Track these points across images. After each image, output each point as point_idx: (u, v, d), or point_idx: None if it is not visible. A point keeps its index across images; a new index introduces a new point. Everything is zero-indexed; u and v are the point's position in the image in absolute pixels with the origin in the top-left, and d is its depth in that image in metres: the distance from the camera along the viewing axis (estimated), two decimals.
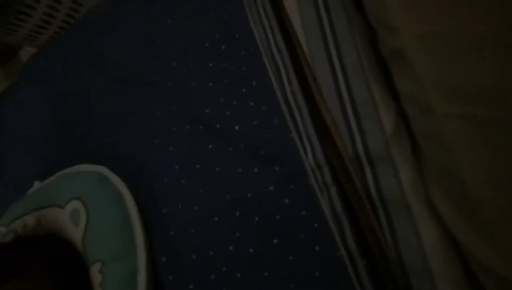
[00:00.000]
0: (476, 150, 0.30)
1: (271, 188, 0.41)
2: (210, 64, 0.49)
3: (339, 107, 0.39)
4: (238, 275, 0.42)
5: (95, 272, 0.46)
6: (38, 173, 0.64)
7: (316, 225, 0.38)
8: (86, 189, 0.50)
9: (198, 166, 0.48)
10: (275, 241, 0.40)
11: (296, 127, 0.40)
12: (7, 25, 0.93)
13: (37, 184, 0.60)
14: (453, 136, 0.31)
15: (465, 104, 0.30)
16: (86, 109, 0.61)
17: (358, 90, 0.38)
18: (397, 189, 0.35)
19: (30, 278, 0.43)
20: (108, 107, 0.59)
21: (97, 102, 0.60)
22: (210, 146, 0.47)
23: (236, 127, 0.44)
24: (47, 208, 0.52)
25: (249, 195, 0.42)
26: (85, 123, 0.61)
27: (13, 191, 0.66)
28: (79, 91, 0.64)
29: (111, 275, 0.45)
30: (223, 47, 0.49)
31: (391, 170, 0.36)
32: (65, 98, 0.67)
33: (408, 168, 0.36)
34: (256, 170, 0.43)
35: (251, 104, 0.44)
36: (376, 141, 0.37)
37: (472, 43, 0.31)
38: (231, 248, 0.43)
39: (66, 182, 0.54)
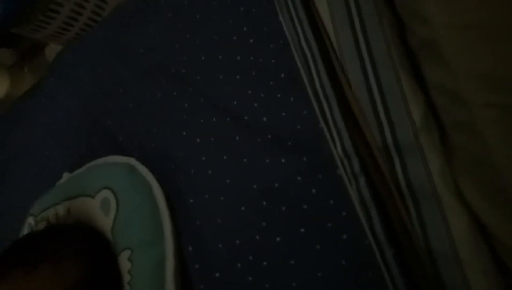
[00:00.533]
0: (510, 139, 0.31)
1: (298, 178, 0.42)
2: (238, 57, 0.51)
3: (368, 98, 0.40)
4: (265, 263, 0.43)
5: (124, 259, 0.48)
6: (67, 165, 0.67)
7: (344, 213, 0.39)
8: (115, 179, 0.52)
9: (225, 157, 0.49)
10: (302, 230, 0.41)
11: (324, 118, 0.41)
12: (35, 22, 0.97)
13: (66, 176, 0.63)
14: (487, 126, 0.32)
15: (499, 93, 0.31)
16: (115, 102, 0.64)
17: (387, 81, 0.39)
18: (426, 179, 0.36)
19: (62, 264, 0.46)
20: (137, 99, 0.61)
21: (125, 95, 0.63)
22: (237, 138, 0.48)
23: (264, 119, 0.46)
24: (78, 198, 0.55)
25: (276, 185, 0.44)
26: (114, 116, 0.63)
27: (43, 182, 0.70)
28: (107, 84, 0.66)
29: (139, 262, 0.47)
30: (251, 40, 0.50)
31: (419, 160, 0.37)
32: (93, 91, 0.70)
33: (436, 158, 0.37)
34: (283, 160, 0.44)
35: (279, 95, 0.46)
36: (405, 132, 0.38)
37: (505, 33, 0.32)
38: (257, 237, 0.44)
39: (96, 173, 0.56)
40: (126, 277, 0.47)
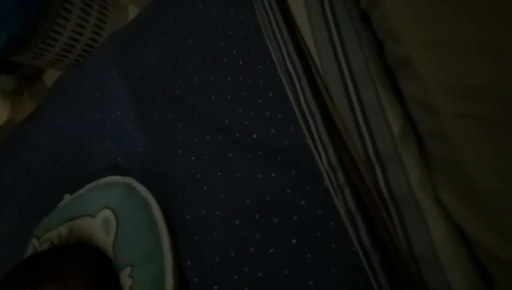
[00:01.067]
0: (479, 145, 0.33)
1: (288, 191, 0.45)
2: (229, 78, 0.54)
3: (350, 112, 0.42)
4: (260, 274, 0.45)
5: (125, 276, 0.50)
6: (68, 187, 0.69)
7: (331, 223, 0.41)
8: (115, 198, 0.55)
9: (219, 173, 0.52)
10: (294, 241, 0.44)
11: (310, 133, 0.44)
12: (35, 50, 1.01)
13: (67, 197, 0.65)
14: (457, 133, 0.34)
15: (466, 103, 0.34)
16: (113, 124, 0.67)
17: (367, 95, 0.42)
18: (406, 187, 0.39)
19: (67, 283, 0.48)
20: (134, 121, 0.64)
21: (122, 117, 0.66)
22: (230, 154, 0.51)
23: (254, 135, 0.49)
24: (79, 218, 0.57)
25: (268, 198, 0.46)
26: (113, 137, 0.66)
27: (46, 205, 0.72)
28: (105, 107, 0.69)
29: (140, 278, 0.50)
30: (240, 62, 0.53)
31: (400, 170, 0.39)
32: (93, 114, 0.73)
33: (416, 167, 0.39)
34: (274, 174, 0.46)
35: (268, 113, 0.49)
36: (385, 143, 0.40)
37: (471, 47, 0.35)
38: (252, 249, 0.47)
39: (96, 193, 0.59)
40: None
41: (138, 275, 0.50)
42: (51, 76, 1.22)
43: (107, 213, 0.54)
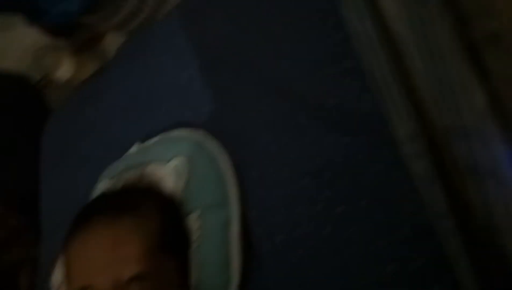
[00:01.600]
0: None
1: (360, 155, 0.47)
2: (304, 46, 0.56)
3: (433, 83, 0.44)
4: (325, 231, 0.48)
5: (194, 218, 0.54)
6: (133, 142, 0.73)
7: (405, 187, 0.43)
8: (187, 148, 0.59)
9: (289, 137, 0.55)
10: (363, 202, 0.46)
11: (389, 101, 0.46)
12: (105, 12, 1.06)
13: (135, 147, 0.69)
14: None
15: None
16: (182, 85, 0.70)
17: (452, 69, 0.43)
18: (488, 160, 0.40)
19: (141, 217, 0.52)
20: (203, 83, 0.66)
21: (192, 79, 0.68)
22: (301, 120, 0.53)
23: (330, 101, 0.51)
24: (150, 164, 0.61)
25: (339, 160, 0.48)
26: (180, 97, 0.69)
27: (111, 156, 0.76)
28: (174, 69, 0.72)
29: (208, 221, 0.53)
30: (318, 30, 0.55)
31: (482, 142, 0.40)
32: (160, 76, 0.75)
33: (498, 141, 0.40)
34: (346, 140, 0.48)
35: (346, 81, 0.50)
36: (468, 115, 0.41)
37: None
38: (318, 206, 0.49)
39: (167, 143, 0.63)
40: (196, 233, 0.53)
41: (206, 218, 0.53)
42: (111, 40, 1.27)
43: (179, 160, 0.58)
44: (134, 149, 0.69)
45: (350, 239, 0.45)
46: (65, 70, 1.11)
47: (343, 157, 0.48)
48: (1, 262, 0.82)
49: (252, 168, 0.57)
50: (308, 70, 0.55)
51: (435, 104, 0.43)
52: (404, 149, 0.44)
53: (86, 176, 0.81)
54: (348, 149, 0.48)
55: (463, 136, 0.42)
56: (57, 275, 0.65)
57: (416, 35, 0.46)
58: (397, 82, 0.46)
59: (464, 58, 0.43)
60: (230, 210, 0.54)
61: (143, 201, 0.54)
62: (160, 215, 0.53)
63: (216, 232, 0.53)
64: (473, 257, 0.38)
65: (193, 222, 0.54)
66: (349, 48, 0.52)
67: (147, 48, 0.83)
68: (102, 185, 0.68)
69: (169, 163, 0.59)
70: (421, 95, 0.44)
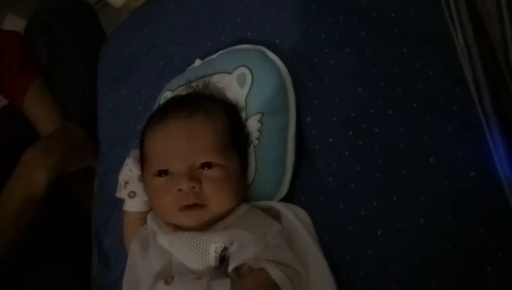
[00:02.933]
0: None
1: (418, 63, 0.52)
2: None
3: None
4: (376, 130, 0.54)
5: (255, 121, 0.61)
6: (193, 58, 0.79)
7: (457, 90, 0.48)
8: (251, 59, 0.65)
9: (347, 49, 0.60)
10: (415, 104, 0.51)
11: (450, 13, 0.50)
12: None
13: (198, 62, 0.76)
14: None
15: None
16: (244, 4, 0.74)
17: None
18: None
19: (211, 115, 0.59)
20: (265, 2, 0.71)
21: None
22: (362, 33, 0.58)
23: (392, 15, 0.55)
24: (215, 74, 0.68)
25: (396, 69, 0.53)
26: (242, 16, 0.74)
27: (170, 73, 0.83)
28: None
29: (268, 124, 0.60)
30: None
31: None
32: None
33: None
34: (405, 50, 0.53)
35: None
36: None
37: None
38: (371, 111, 0.55)
39: (230, 55, 0.69)
40: (256, 134, 0.61)
41: (267, 121, 0.60)
42: None
43: (244, 70, 0.64)
44: (196, 63, 0.75)
45: (397, 135, 0.51)
46: None
47: (400, 66, 0.53)
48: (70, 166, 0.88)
49: (309, 81, 0.62)
50: None
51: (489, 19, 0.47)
52: (460, 56, 0.48)
53: (144, 93, 0.89)
54: (406, 59, 0.53)
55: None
56: (124, 174, 0.73)
57: None
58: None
59: None
60: (288, 115, 0.61)
61: (210, 104, 0.62)
62: (226, 116, 0.60)
63: (275, 133, 0.60)
64: None
65: (255, 123, 0.61)
66: None
67: None
68: (166, 95, 0.75)
69: (233, 72, 0.65)
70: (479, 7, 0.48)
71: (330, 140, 0.58)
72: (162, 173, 0.56)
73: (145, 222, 0.65)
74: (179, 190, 0.54)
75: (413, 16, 0.53)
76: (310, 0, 0.65)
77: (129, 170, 0.69)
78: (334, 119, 0.58)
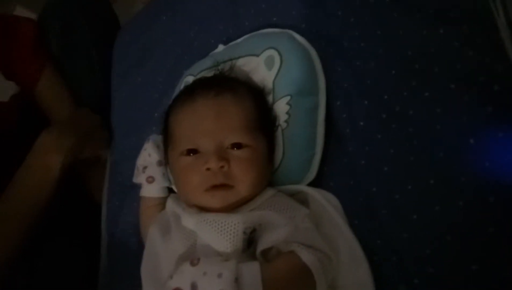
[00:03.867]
0: None
1: (455, 43, 0.51)
2: None
3: None
4: (411, 112, 0.53)
5: (283, 103, 0.60)
6: (214, 45, 0.78)
7: (498, 68, 0.47)
8: (279, 41, 0.64)
9: (379, 32, 0.59)
10: (452, 86, 0.50)
11: None
12: None
13: (221, 47, 0.75)
14: None
15: None
16: None
17: None
18: None
19: (239, 95, 0.58)
20: None
21: None
22: (395, 14, 0.57)
23: None
24: (240, 58, 0.67)
25: (432, 50, 0.53)
26: (267, 1, 0.73)
27: (188, 60, 0.82)
28: None
29: (298, 106, 0.60)
30: None
31: None
32: None
33: None
34: (441, 30, 0.52)
35: None
36: None
37: None
38: (405, 93, 0.54)
39: (258, 38, 0.68)
40: (284, 117, 0.60)
41: (296, 103, 0.59)
42: None
43: (272, 52, 0.63)
44: (219, 48, 0.74)
45: (433, 117, 0.51)
46: None
47: (436, 46, 0.52)
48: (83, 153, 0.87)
49: (338, 64, 0.62)
50: None
51: None
52: (501, 33, 0.47)
53: (161, 81, 0.88)
54: (443, 39, 0.52)
55: None
56: (142, 159, 0.71)
57: None
58: None
59: None
60: (318, 98, 0.60)
61: (238, 85, 0.61)
62: (253, 98, 0.59)
63: (305, 115, 0.59)
64: None
65: (283, 106, 0.60)
66: None
67: None
68: (188, 80, 0.74)
69: (261, 55, 0.64)
70: None
71: (362, 123, 0.57)
72: (190, 152, 0.55)
73: (163, 208, 0.64)
74: (208, 169, 0.52)
75: None
76: None
77: (148, 155, 0.68)
78: (366, 102, 0.57)
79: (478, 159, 0.47)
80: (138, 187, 0.71)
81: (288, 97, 0.60)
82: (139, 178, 0.69)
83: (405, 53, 0.55)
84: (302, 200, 0.58)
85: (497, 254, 0.44)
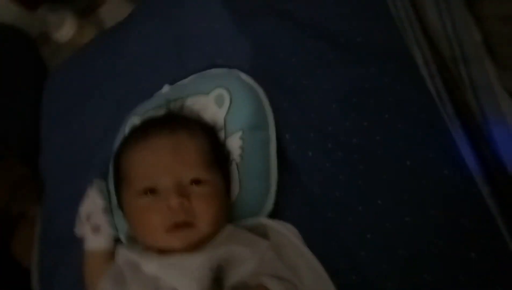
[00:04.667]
0: None
1: (385, 79, 0.59)
2: None
3: (441, 24, 0.57)
4: (353, 141, 0.58)
5: (236, 138, 0.63)
6: (159, 85, 0.79)
7: (423, 100, 0.55)
8: (227, 81, 0.67)
9: (319, 71, 0.65)
10: (386, 116, 0.57)
11: (409, 35, 0.58)
12: None
13: (167, 87, 0.75)
14: None
15: None
16: (213, 34, 0.77)
17: (455, 10, 0.56)
18: (485, 79, 0.53)
19: (194, 133, 0.59)
20: (235, 32, 0.75)
21: (224, 28, 0.76)
22: (331, 56, 0.64)
23: (358, 39, 0.62)
24: (190, 97, 0.68)
25: (366, 85, 0.60)
26: (211, 45, 0.77)
27: (131, 102, 0.81)
28: (204, 20, 0.80)
29: (250, 140, 0.62)
30: None
31: (479, 67, 0.54)
32: (189, 25, 0.81)
33: (492, 67, 0.54)
34: (373, 68, 0.60)
35: (370, 17, 0.62)
36: (468, 46, 0.55)
37: None
38: (347, 123, 0.60)
39: (207, 78, 0.71)
40: (238, 151, 0.62)
41: (249, 137, 0.62)
42: (108, 6, 1.30)
43: (221, 90, 0.66)
44: (166, 89, 0.75)
45: (376, 146, 0.57)
46: (65, 31, 1.13)
47: (369, 82, 0.60)
48: (7, 211, 0.80)
49: (283, 100, 0.66)
50: (340, 13, 0.66)
51: (445, 39, 0.56)
52: (421, 71, 0.56)
53: (100, 124, 0.85)
54: (375, 76, 0.60)
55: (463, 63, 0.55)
56: (86, 206, 0.67)
57: None
58: (416, 24, 0.59)
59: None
60: (269, 132, 0.63)
61: (190, 122, 0.62)
62: (206, 134, 0.60)
63: (258, 148, 0.62)
64: None
65: (236, 141, 0.62)
66: None
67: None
68: (133, 121, 0.72)
69: (210, 93, 0.66)
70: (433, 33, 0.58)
71: (310, 153, 0.61)
72: (148, 191, 0.53)
73: (111, 262, 0.60)
74: (168, 207, 0.51)
75: (377, 39, 0.61)
76: (286, 28, 0.70)
77: (92, 202, 0.65)
78: (312, 134, 0.62)
79: (416, 178, 0.53)
80: (78, 241, 0.66)
81: (241, 132, 0.62)
82: (83, 228, 0.64)
83: (344, 89, 0.62)
84: (261, 233, 0.59)
85: (444, 261, 0.49)
